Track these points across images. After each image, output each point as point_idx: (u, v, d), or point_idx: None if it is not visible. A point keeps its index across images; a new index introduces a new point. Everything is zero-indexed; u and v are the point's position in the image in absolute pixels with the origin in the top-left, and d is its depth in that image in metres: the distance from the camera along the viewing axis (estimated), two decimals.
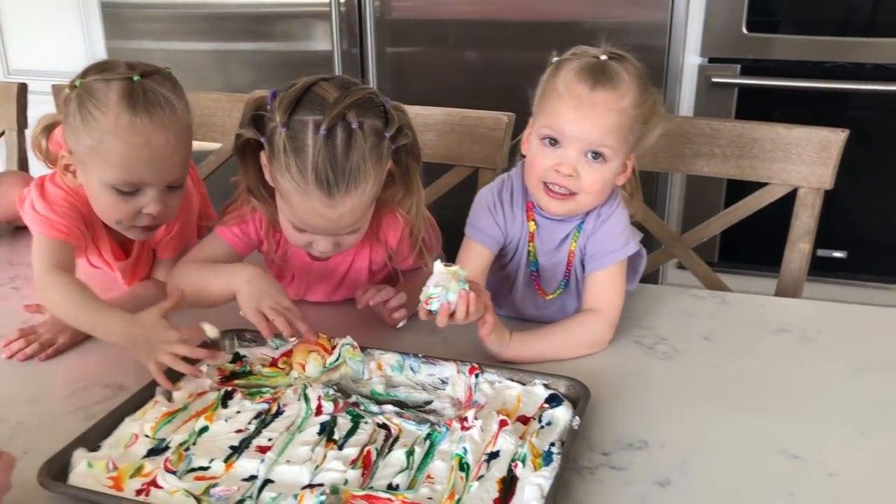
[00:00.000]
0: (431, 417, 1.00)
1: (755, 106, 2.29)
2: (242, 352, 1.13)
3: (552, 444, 0.91)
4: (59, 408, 1.01)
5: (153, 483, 0.85)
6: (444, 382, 1.07)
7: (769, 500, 0.87)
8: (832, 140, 1.45)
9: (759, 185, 1.52)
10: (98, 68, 1.16)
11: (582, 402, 0.99)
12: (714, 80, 2.27)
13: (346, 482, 0.86)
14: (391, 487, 0.86)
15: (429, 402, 1.05)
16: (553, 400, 1.00)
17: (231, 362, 1.11)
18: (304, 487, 0.85)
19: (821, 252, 2.29)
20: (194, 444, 0.94)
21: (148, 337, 1.04)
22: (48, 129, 1.23)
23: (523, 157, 1.23)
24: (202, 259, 1.22)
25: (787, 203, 1.51)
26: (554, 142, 1.14)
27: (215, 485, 0.86)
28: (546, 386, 1.03)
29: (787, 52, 2.25)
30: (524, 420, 0.98)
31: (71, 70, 1.19)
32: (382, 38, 2.49)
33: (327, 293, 1.33)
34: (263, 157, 1.14)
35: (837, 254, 2.34)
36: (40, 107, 1.42)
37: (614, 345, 1.19)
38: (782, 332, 1.24)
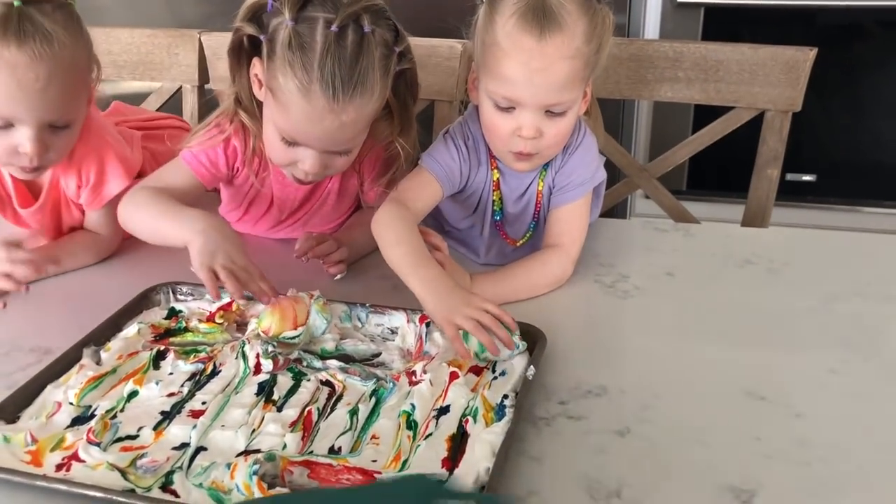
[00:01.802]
0: (378, 371, 0.93)
1: (722, 26, 2.20)
2: (178, 307, 1.06)
3: (505, 397, 0.85)
4: None
5: (75, 456, 0.79)
6: (393, 333, 1.01)
7: (734, 445, 0.83)
8: (799, 59, 1.38)
9: (727, 112, 1.46)
10: None
11: (538, 350, 0.93)
12: (680, 0, 2.18)
13: (284, 447, 0.80)
14: (333, 451, 0.80)
15: (377, 355, 0.98)
16: None
17: (166, 318, 1.04)
18: (238, 454, 0.79)
19: (790, 176, 2.24)
20: (122, 410, 0.87)
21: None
22: None
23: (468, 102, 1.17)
24: (160, 187, 1.13)
25: (756, 127, 1.46)
26: (509, 108, 1.06)
27: (143, 455, 0.80)
28: None
29: None
30: (477, 371, 0.92)
31: None
32: None
33: (298, 225, 1.27)
34: (257, 64, 1.07)
35: (807, 177, 2.30)
36: None
37: (573, 284, 1.14)
38: (748, 263, 1.19)
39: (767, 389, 0.91)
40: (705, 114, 1.55)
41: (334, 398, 0.89)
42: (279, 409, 0.86)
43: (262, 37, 1.04)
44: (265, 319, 0.99)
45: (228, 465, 0.76)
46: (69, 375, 0.91)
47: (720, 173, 2.21)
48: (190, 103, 1.68)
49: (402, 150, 1.17)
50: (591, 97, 1.19)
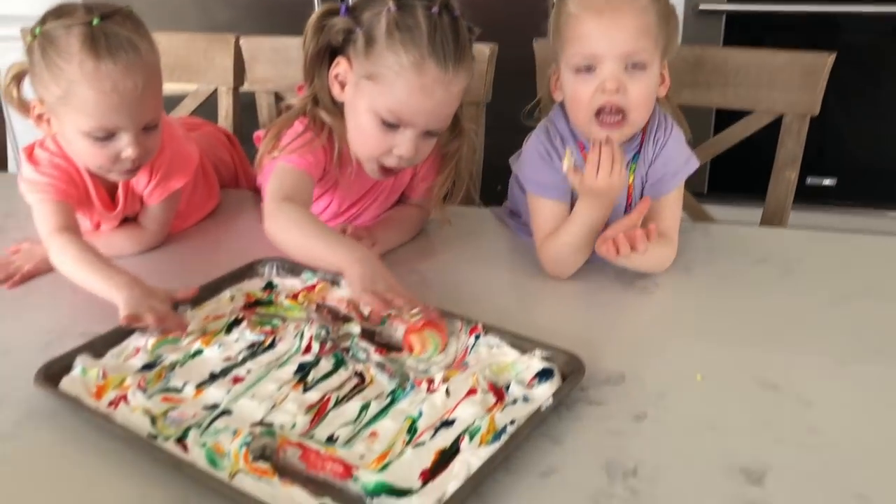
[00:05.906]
0: (413, 373, 0.94)
1: (744, 33, 2.24)
2: (276, 281, 1.13)
3: (512, 422, 0.84)
4: (32, 360, 0.96)
5: (124, 397, 0.87)
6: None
7: (746, 430, 0.87)
8: (818, 64, 1.41)
9: (747, 115, 1.50)
10: (56, 13, 1.13)
11: (570, 381, 0.91)
12: (701, 7, 2.22)
13: (293, 426, 0.84)
14: (331, 438, 0.83)
15: None
16: (543, 374, 0.91)
17: (262, 289, 1.12)
18: (253, 424, 0.84)
19: (810, 180, 2.27)
20: (182, 365, 0.95)
21: None
22: (17, 77, 1.21)
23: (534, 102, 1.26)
24: (288, 198, 1.14)
25: (777, 130, 1.48)
26: (589, 68, 1.11)
27: (176, 408, 0.87)
28: (547, 359, 0.94)
29: None
30: (501, 395, 0.89)
31: (41, 13, 1.15)
32: None
33: (349, 220, 1.33)
34: (342, 63, 1.15)
35: (827, 181, 2.32)
36: (10, 54, 1.38)
37: (594, 280, 1.18)
38: (764, 262, 1.23)
39: (779, 379, 0.95)
40: (726, 117, 1.58)
41: (357, 390, 0.92)
42: (305, 391, 0.90)
43: (358, 29, 1.11)
44: (429, 344, 0.98)
45: (234, 431, 0.81)
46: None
47: (741, 176, 2.23)
48: (225, 105, 1.74)
49: (467, 133, 1.26)
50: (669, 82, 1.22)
